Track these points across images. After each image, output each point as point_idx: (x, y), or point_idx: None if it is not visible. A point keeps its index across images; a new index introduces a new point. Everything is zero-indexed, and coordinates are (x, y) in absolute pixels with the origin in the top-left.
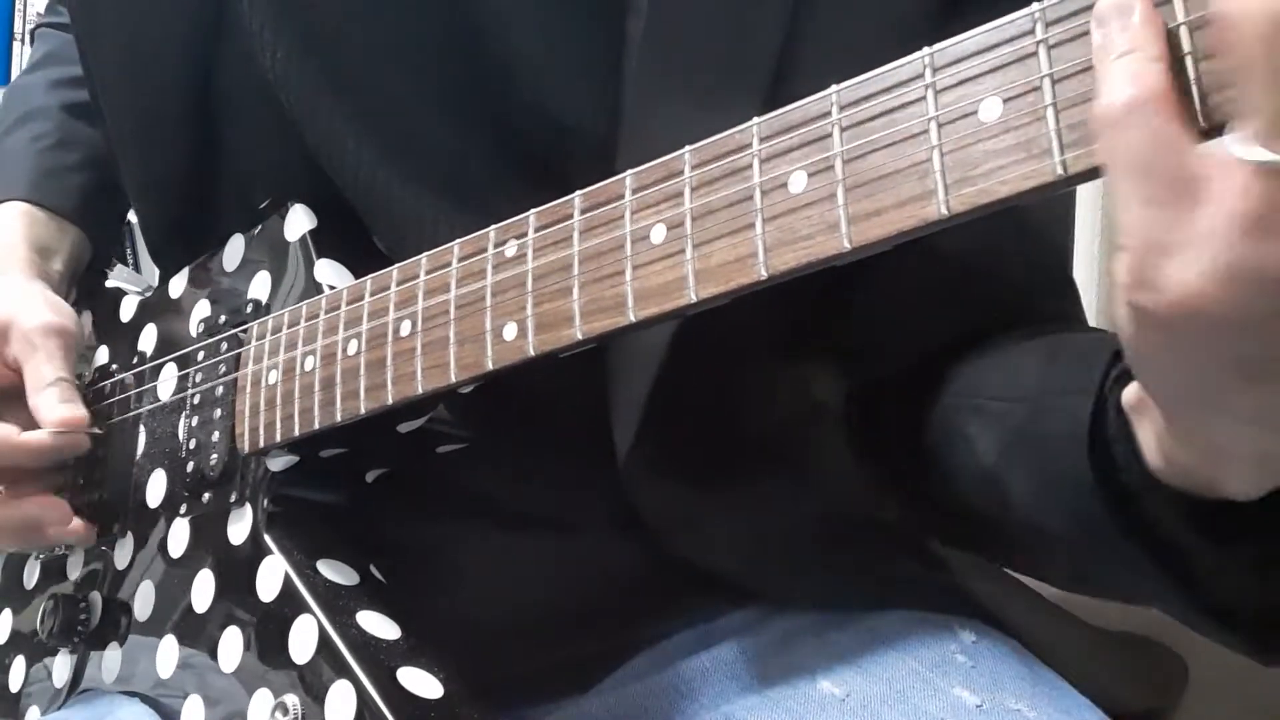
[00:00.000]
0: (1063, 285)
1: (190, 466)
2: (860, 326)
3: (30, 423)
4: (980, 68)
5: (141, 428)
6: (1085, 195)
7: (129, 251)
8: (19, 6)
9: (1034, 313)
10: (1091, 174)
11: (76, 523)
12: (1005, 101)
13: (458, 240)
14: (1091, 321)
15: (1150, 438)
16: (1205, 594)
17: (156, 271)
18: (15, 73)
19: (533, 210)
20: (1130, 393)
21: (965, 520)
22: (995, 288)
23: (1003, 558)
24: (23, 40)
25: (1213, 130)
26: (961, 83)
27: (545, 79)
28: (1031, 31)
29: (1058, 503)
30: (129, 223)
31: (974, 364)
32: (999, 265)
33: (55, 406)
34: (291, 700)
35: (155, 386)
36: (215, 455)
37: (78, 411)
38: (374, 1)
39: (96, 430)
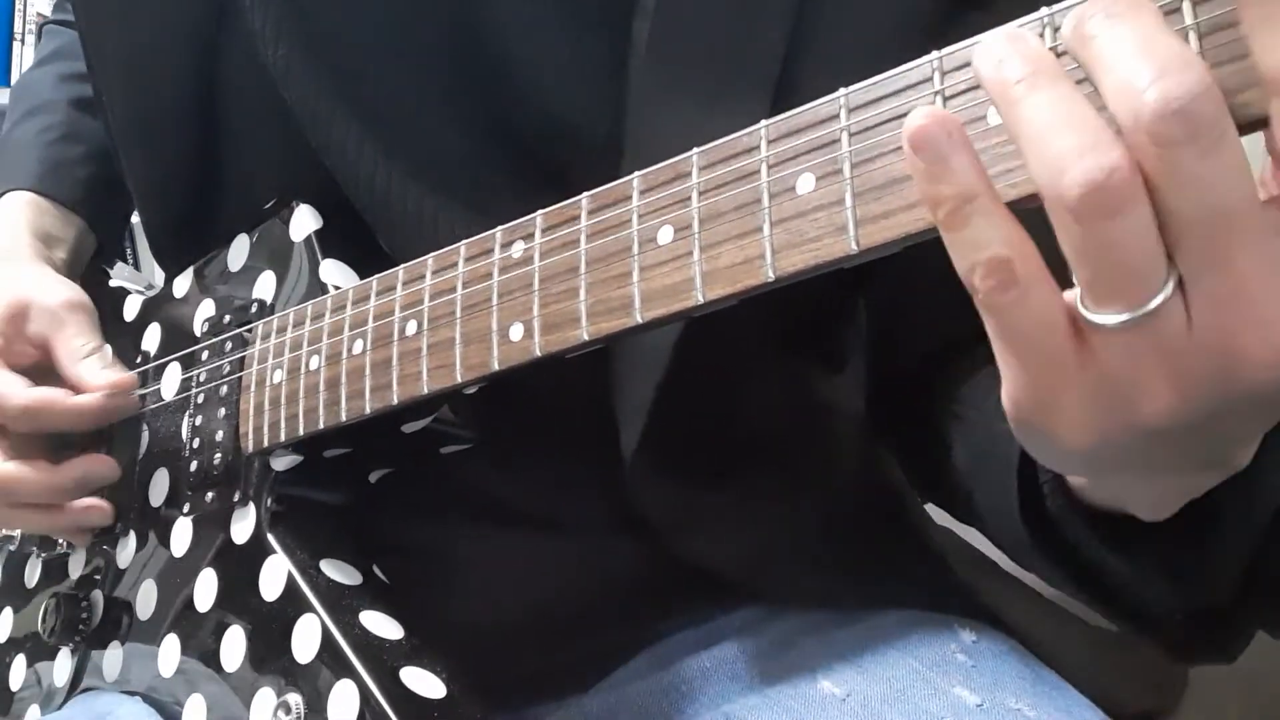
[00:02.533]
0: None
1: (194, 466)
2: (874, 325)
3: None
4: None
5: (145, 427)
6: None
7: (129, 250)
8: (19, 6)
9: None
10: None
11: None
12: None
13: (464, 241)
14: None
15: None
16: (1127, 604)
17: (156, 268)
18: (15, 73)
19: (540, 211)
20: None
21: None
22: None
23: None
24: (23, 40)
25: None
26: (970, 87)
27: (549, 79)
28: (1041, 36)
29: (1003, 522)
30: (130, 222)
31: (958, 368)
32: None
33: (101, 372)
34: (294, 699)
35: (159, 386)
36: (219, 454)
37: (125, 374)
38: (377, 0)
39: (143, 391)
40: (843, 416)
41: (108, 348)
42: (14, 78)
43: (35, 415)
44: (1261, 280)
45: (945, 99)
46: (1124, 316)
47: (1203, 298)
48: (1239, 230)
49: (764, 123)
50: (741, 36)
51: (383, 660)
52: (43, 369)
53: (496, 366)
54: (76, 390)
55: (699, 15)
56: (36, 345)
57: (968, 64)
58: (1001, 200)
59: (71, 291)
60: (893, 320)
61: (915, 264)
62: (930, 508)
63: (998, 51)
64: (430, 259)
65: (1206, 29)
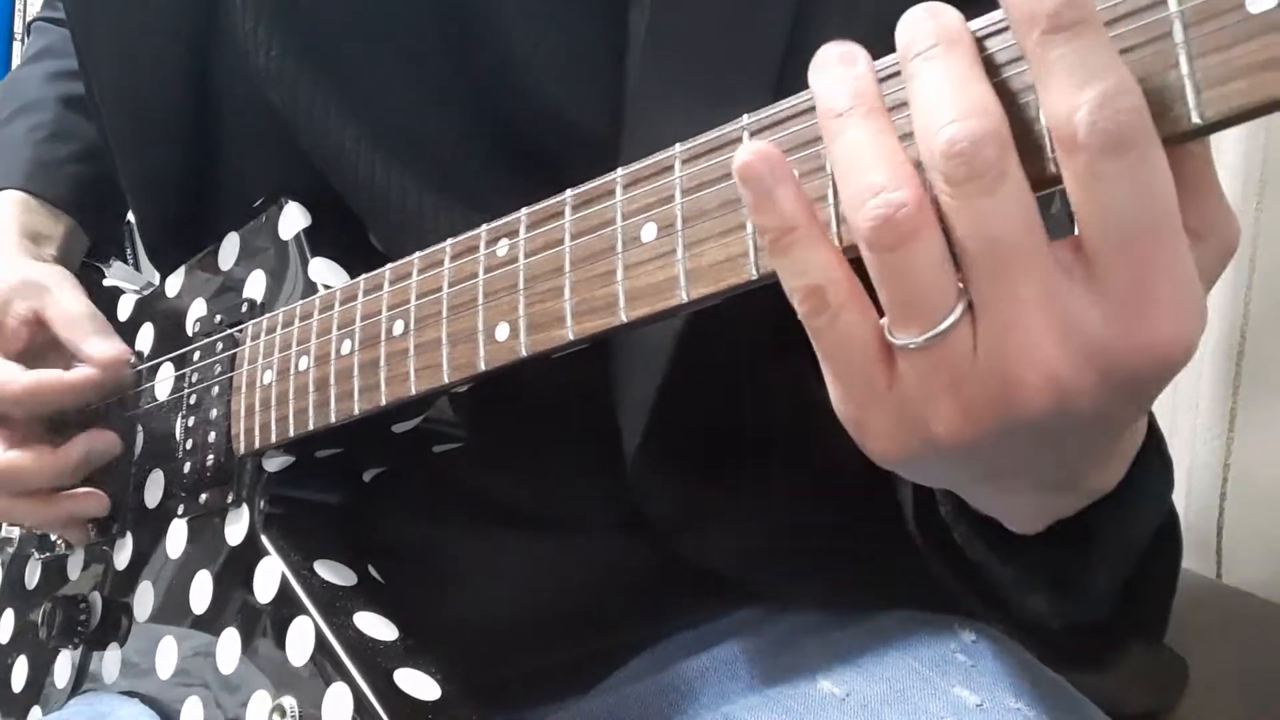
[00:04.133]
0: None
1: (187, 467)
2: None
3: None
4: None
5: (139, 427)
6: None
7: (129, 250)
8: (19, 6)
9: None
10: None
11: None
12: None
13: (450, 239)
14: None
15: None
16: (1008, 608)
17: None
18: None
19: (524, 209)
20: None
21: None
22: None
23: None
24: (22, 40)
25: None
26: None
27: (546, 74)
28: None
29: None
30: (128, 222)
31: None
32: None
33: (94, 341)
34: (289, 702)
35: (153, 386)
36: (212, 456)
37: (118, 347)
38: None
39: (134, 355)
40: None
41: (98, 313)
42: None
43: (35, 396)
44: (1040, 312)
45: None
46: (919, 338)
47: (988, 326)
48: (1021, 263)
49: (746, 117)
50: (741, 28)
51: (377, 662)
52: (34, 352)
53: (483, 367)
54: (74, 353)
55: (697, 7)
56: (28, 324)
57: None
58: (822, 232)
59: (57, 269)
60: None
61: None
62: None
63: (830, 75)
64: (416, 258)
65: None
